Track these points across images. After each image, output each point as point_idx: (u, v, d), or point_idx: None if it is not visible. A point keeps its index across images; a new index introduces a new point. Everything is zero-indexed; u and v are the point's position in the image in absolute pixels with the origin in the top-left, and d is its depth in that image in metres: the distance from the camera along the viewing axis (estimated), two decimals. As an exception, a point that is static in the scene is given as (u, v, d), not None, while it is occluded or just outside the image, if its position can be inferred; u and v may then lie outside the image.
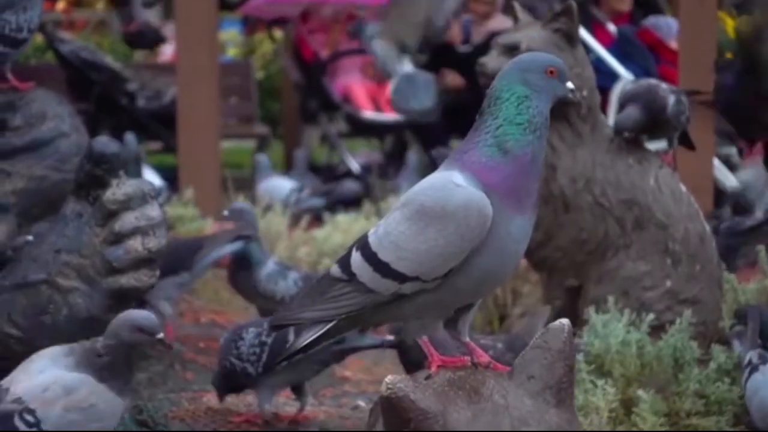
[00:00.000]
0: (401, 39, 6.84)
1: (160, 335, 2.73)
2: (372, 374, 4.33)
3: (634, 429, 3.40)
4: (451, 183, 2.14)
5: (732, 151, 7.02)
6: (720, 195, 6.27)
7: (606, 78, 6.58)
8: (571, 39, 3.85)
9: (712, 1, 5.52)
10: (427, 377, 2.15)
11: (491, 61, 3.82)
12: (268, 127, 10.41)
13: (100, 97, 8.21)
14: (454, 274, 2.14)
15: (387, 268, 2.16)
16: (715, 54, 5.24)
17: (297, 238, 5.69)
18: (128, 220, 2.99)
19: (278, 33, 11.75)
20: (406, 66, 6.73)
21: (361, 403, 4.02)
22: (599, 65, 6.41)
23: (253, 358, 3.55)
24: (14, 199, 3.49)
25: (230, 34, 12.82)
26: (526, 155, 2.15)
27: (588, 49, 6.10)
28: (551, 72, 2.20)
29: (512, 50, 3.73)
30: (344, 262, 2.22)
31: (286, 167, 9.29)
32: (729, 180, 6.44)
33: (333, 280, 2.23)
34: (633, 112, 3.90)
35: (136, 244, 2.98)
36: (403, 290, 2.17)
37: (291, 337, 2.31)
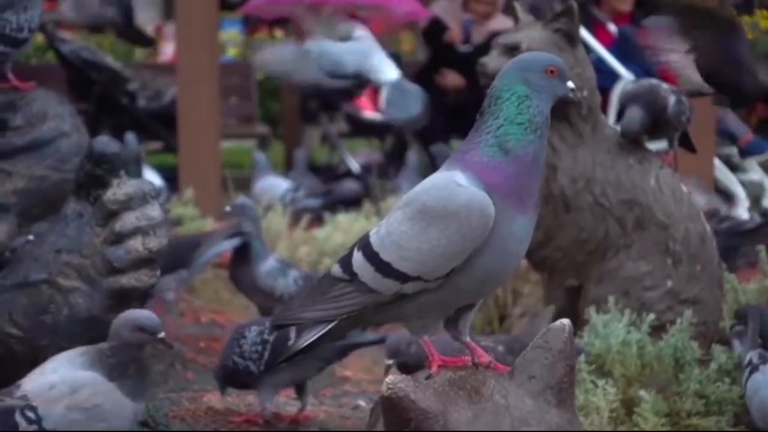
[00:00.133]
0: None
1: (161, 334, 2.74)
2: (372, 374, 4.33)
3: (635, 429, 3.40)
4: (453, 183, 2.14)
5: (732, 151, 7.03)
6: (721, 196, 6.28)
7: (606, 78, 6.59)
8: (571, 39, 3.85)
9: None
10: (428, 377, 2.14)
11: (492, 61, 3.82)
12: (268, 127, 10.42)
13: (100, 97, 8.21)
14: (456, 273, 2.14)
15: (389, 268, 2.16)
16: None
17: (297, 237, 5.70)
18: (129, 220, 2.99)
19: (279, 33, 11.75)
20: (393, 74, 6.72)
21: (362, 403, 4.02)
22: (600, 65, 6.42)
23: (255, 356, 3.56)
24: (15, 199, 3.49)
25: (230, 34, 12.82)
26: (528, 155, 2.14)
27: (588, 49, 6.10)
28: (552, 71, 2.19)
29: (513, 50, 3.73)
30: (345, 262, 2.22)
31: (287, 167, 9.29)
32: (734, 186, 6.45)
33: (334, 280, 2.23)
34: (637, 114, 3.90)
35: (136, 244, 2.98)
36: (404, 290, 2.17)
37: (293, 335, 2.31)
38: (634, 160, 3.89)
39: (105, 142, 3.06)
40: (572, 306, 3.89)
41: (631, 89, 4.12)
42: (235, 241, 4.29)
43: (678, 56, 3.67)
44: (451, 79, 8.80)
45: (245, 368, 3.57)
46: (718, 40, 3.84)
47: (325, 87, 7.38)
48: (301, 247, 5.54)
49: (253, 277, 4.29)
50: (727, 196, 6.62)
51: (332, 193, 7.73)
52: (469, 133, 2.20)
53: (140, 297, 3.11)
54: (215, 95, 6.58)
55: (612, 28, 7.51)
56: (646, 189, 3.86)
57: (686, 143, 4.13)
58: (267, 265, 4.28)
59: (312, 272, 4.79)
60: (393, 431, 2.11)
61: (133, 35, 6.01)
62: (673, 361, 3.55)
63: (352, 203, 7.24)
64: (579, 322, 3.65)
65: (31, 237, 3.15)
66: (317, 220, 6.25)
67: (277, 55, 5.91)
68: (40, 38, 8.43)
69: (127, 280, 2.99)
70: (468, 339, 2.23)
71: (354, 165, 8.88)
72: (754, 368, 3.27)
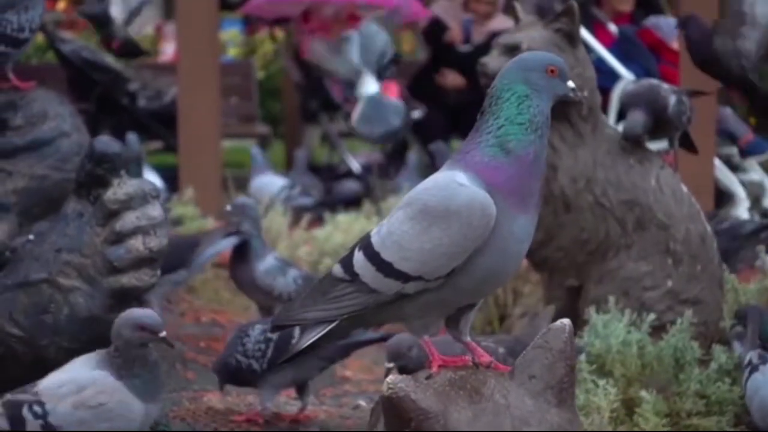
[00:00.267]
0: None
1: (163, 333, 2.73)
2: (373, 374, 4.33)
3: (636, 429, 3.40)
4: (454, 182, 2.14)
5: (733, 151, 7.03)
6: (722, 196, 6.28)
7: (607, 78, 6.59)
8: (572, 39, 3.85)
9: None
10: (428, 377, 2.14)
11: (492, 61, 3.82)
12: (268, 127, 10.41)
13: (101, 97, 8.20)
14: (457, 273, 2.14)
15: (390, 268, 2.16)
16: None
17: (298, 237, 5.70)
18: (129, 219, 2.99)
19: (279, 33, 11.75)
20: (371, 87, 6.73)
21: (362, 403, 4.02)
22: (600, 65, 6.42)
23: (258, 354, 3.56)
24: (15, 199, 3.49)
25: (231, 34, 12.82)
26: (528, 155, 2.14)
27: (589, 49, 6.10)
28: (552, 71, 2.19)
29: (513, 50, 3.73)
30: (346, 262, 2.22)
31: (287, 167, 9.29)
32: (735, 186, 6.45)
33: (335, 280, 2.23)
34: (639, 117, 3.90)
35: (137, 244, 2.98)
36: (406, 290, 2.16)
37: (296, 333, 2.31)
38: (634, 160, 3.89)
39: (106, 142, 3.06)
40: (572, 306, 3.89)
41: (632, 90, 4.12)
42: (233, 240, 4.31)
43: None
44: (452, 79, 8.80)
45: (248, 367, 3.57)
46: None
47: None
48: (302, 247, 5.54)
49: (252, 275, 4.31)
50: (728, 196, 6.62)
51: (332, 192, 7.73)
52: (470, 133, 2.20)
53: (140, 296, 3.12)
54: (216, 95, 6.58)
55: (612, 28, 7.51)
56: (647, 189, 3.86)
57: (687, 144, 4.13)
58: (266, 263, 4.30)
59: (312, 272, 4.79)
60: (393, 431, 2.11)
61: (123, 49, 6.00)
62: (674, 361, 3.55)
63: (352, 203, 7.25)
64: (579, 322, 3.65)
65: (31, 237, 3.15)
66: (318, 220, 6.26)
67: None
68: (40, 38, 8.43)
69: (127, 279, 2.99)
70: (468, 339, 2.23)
71: (354, 165, 8.88)
72: (754, 368, 3.27)
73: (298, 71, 9.78)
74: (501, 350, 3.16)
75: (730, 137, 7.03)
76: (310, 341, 2.24)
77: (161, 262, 3.05)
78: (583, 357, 3.47)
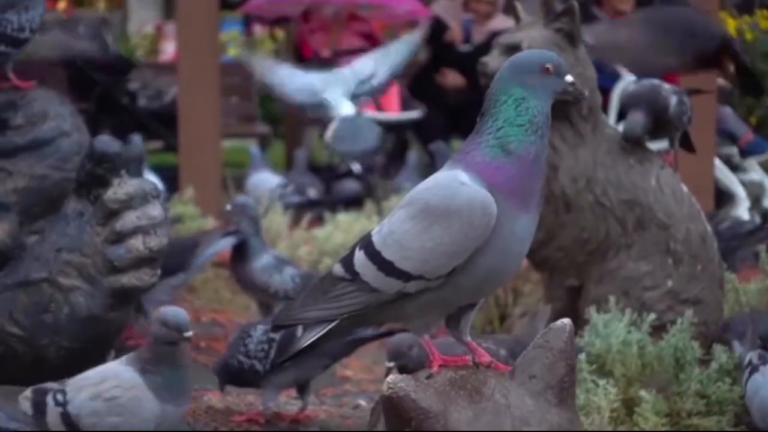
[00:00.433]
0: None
1: (188, 333, 2.73)
2: (373, 373, 4.33)
3: (636, 429, 3.40)
4: (456, 181, 2.14)
5: (733, 151, 7.04)
6: (722, 196, 6.29)
7: (607, 78, 6.59)
8: (572, 39, 3.85)
9: (714, 1, 5.53)
10: (429, 376, 2.14)
11: (492, 60, 3.82)
12: (268, 127, 10.41)
13: (101, 97, 8.21)
14: (458, 272, 2.14)
15: (391, 267, 2.16)
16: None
17: (298, 237, 5.70)
18: (129, 219, 2.99)
19: (279, 32, 11.75)
20: (347, 110, 6.77)
21: (362, 403, 4.02)
22: (600, 65, 6.41)
23: (261, 354, 3.56)
24: (15, 198, 3.49)
25: (231, 34, 12.82)
26: (530, 155, 2.14)
27: (589, 49, 6.10)
28: (547, 69, 2.18)
29: (513, 50, 3.72)
30: (347, 261, 2.21)
31: (287, 167, 9.29)
32: (735, 186, 6.45)
33: (336, 280, 2.22)
34: (639, 117, 3.90)
35: (137, 244, 2.98)
36: (407, 289, 2.16)
37: (299, 333, 2.31)
38: (634, 160, 3.89)
39: (106, 142, 3.06)
40: (573, 306, 3.89)
41: (633, 90, 4.12)
42: (231, 240, 4.35)
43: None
44: (452, 78, 8.80)
45: (250, 367, 3.57)
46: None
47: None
48: (302, 246, 5.55)
49: (249, 273, 4.37)
50: (728, 196, 6.63)
51: (333, 192, 7.73)
52: (470, 134, 2.19)
53: (140, 297, 3.12)
54: (216, 95, 6.58)
55: (613, 27, 7.50)
56: (647, 189, 3.86)
57: (686, 143, 4.13)
58: (262, 261, 4.35)
59: (312, 270, 4.79)
60: (394, 431, 2.11)
61: (113, 66, 5.98)
62: (674, 361, 3.55)
63: (352, 203, 7.25)
64: (579, 322, 3.65)
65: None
66: (318, 220, 6.26)
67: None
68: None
69: (127, 279, 2.99)
70: (469, 338, 2.23)
71: (354, 165, 8.87)
72: (754, 369, 3.27)
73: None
74: (503, 352, 3.16)
75: (730, 137, 7.03)
76: (311, 340, 2.25)
77: (161, 262, 3.05)
78: (583, 357, 3.47)
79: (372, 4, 9.90)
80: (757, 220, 5.90)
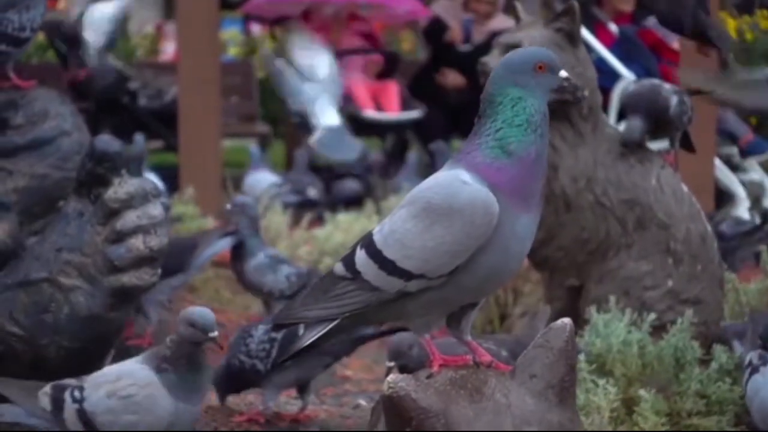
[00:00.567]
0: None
1: (213, 334, 2.73)
2: (373, 373, 4.33)
3: (636, 429, 3.40)
4: (458, 180, 2.14)
5: (733, 151, 7.03)
6: (722, 196, 6.28)
7: (607, 78, 6.59)
8: (572, 39, 3.85)
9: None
10: (429, 376, 2.14)
11: (493, 60, 3.82)
12: (269, 126, 10.41)
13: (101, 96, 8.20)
14: (460, 271, 2.14)
15: (392, 266, 2.16)
16: (715, 54, 5.23)
17: (298, 237, 5.70)
18: (130, 218, 2.99)
19: (279, 32, 11.74)
20: (332, 120, 6.83)
21: (362, 402, 4.02)
22: (601, 65, 6.42)
23: (262, 354, 3.56)
24: (16, 198, 3.49)
25: (231, 34, 12.82)
26: (530, 155, 2.14)
27: (590, 48, 6.10)
28: (540, 67, 2.18)
29: (514, 50, 3.72)
30: (348, 260, 2.21)
31: (287, 166, 9.29)
32: (735, 186, 6.45)
33: (337, 279, 2.22)
34: (637, 122, 3.90)
35: (137, 243, 2.98)
36: (408, 288, 2.16)
37: (301, 331, 2.32)
38: (635, 160, 3.89)
39: (106, 141, 3.06)
40: (573, 305, 3.89)
41: (633, 91, 4.12)
42: (228, 241, 4.38)
43: None
44: (452, 78, 8.80)
45: (252, 367, 3.56)
46: None
47: None
48: (302, 246, 5.55)
49: (244, 272, 4.39)
50: (728, 196, 6.62)
51: (333, 192, 7.73)
52: (469, 135, 2.19)
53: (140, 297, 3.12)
54: (216, 94, 6.58)
55: (613, 27, 7.51)
56: (647, 189, 3.86)
57: (686, 143, 4.13)
58: (256, 260, 4.39)
59: (311, 268, 4.79)
60: (394, 431, 2.11)
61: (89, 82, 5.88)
62: (674, 361, 3.55)
63: (352, 202, 7.25)
64: (580, 322, 3.65)
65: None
66: (318, 220, 6.26)
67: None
68: (41, 37, 8.43)
69: (128, 278, 2.99)
70: (469, 338, 2.23)
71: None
72: (755, 369, 3.27)
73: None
74: (504, 353, 3.15)
75: (730, 137, 7.03)
76: (311, 340, 2.25)
77: (162, 261, 3.05)
78: (583, 357, 3.47)
79: (372, 4, 9.90)
80: (757, 220, 5.90)
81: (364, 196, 7.30)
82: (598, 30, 7.29)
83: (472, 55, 7.53)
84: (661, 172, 3.89)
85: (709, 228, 3.93)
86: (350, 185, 8.01)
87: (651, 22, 7.60)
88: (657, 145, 4.28)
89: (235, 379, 3.65)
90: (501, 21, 8.47)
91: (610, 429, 3.37)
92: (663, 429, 3.40)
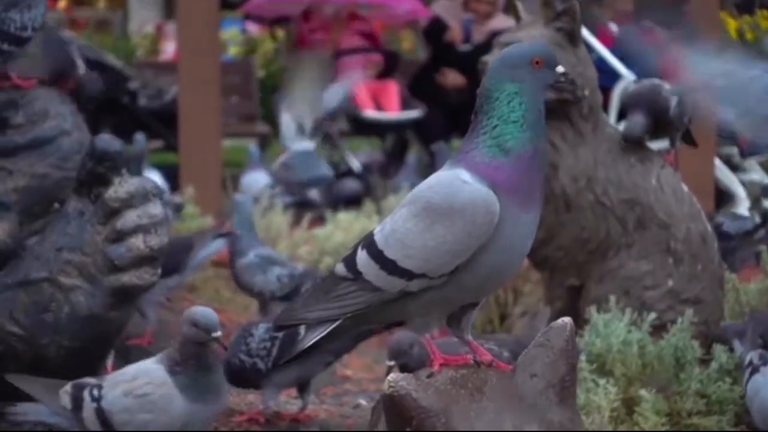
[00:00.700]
0: (298, 117, 7.04)
1: (217, 333, 2.73)
2: (373, 372, 4.33)
3: (636, 428, 3.40)
4: (458, 180, 2.14)
5: (733, 151, 7.03)
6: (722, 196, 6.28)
7: (608, 77, 6.59)
8: (573, 38, 3.85)
9: (714, 1, 5.53)
10: (430, 375, 2.14)
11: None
12: (269, 126, 10.42)
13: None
14: (461, 271, 2.13)
15: (393, 266, 2.15)
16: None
17: (298, 236, 5.70)
18: (130, 218, 2.98)
19: (279, 32, 11.75)
20: (304, 144, 6.90)
21: (363, 402, 4.02)
22: (601, 65, 6.42)
23: (263, 353, 3.55)
24: (16, 197, 3.49)
25: (231, 33, 12.83)
26: (527, 152, 2.13)
27: (590, 48, 6.10)
28: (537, 63, 2.16)
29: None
30: (349, 260, 2.21)
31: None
32: (735, 186, 6.45)
33: (338, 279, 2.22)
34: (639, 119, 3.90)
35: (138, 242, 2.98)
36: (409, 288, 2.16)
37: (302, 330, 2.32)
38: (635, 160, 3.89)
39: (107, 140, 3.06)
40: (573, 305, 3.89)
41: (634, 91, 4.12)
42: (219, 243, 4.38)
43: None
44: (452, 78, 8.81)
45: (252, 366, 3.56)
46: None
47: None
48: (302, 246, 5.54)
49: (235, 272, 4.38)
50: (728, 196, 6.62)
51: (333, 191, 7.73)
52: (467, 133, 2.19)
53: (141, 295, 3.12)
54: (216, 94, 6.58)
55: (613, 27, 7.52)
56: (648, 188, 3.86)
57: (688, 138, 4.13)
58: (246, 260, 4.37)
59: (303, 269, 4.77)
60: (394, 430, 2.11)
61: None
62: (674, 361, 3.55)
63: (352, 202, 7.25)
64: (580, 322, 3.65)
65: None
66: (318, 219, 6.26)
67: None
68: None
69: (128, 278, 2.99)
70: (470, 337, 2.23)
71: (355, 164, 8.88)
72: (755, 369, 3.27)
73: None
74: (505, 353, 3.15)
75: (731, 137, 7.02)
76: (313, 341, 2.24)
77: (162, 261, 3.05)
78: (583, 356, 3.47)
79: (372, 4, 9.91)
80: (757, 220, 5.90)
81: (364, 195, 7.30)
82: (598, 30, 7.29)
83: (472, 55, 7.54)
84: (661, 171, 3.89)
85: (709, 228, 3.93)
86: (350, 185, 8.01)
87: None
88: (657, 145, 4.28)
89: (235, 378, 3.65)
90: (501, 21, 8.48)
91: (610, 429, 3.37)
92: (663, 429, 3.40)
